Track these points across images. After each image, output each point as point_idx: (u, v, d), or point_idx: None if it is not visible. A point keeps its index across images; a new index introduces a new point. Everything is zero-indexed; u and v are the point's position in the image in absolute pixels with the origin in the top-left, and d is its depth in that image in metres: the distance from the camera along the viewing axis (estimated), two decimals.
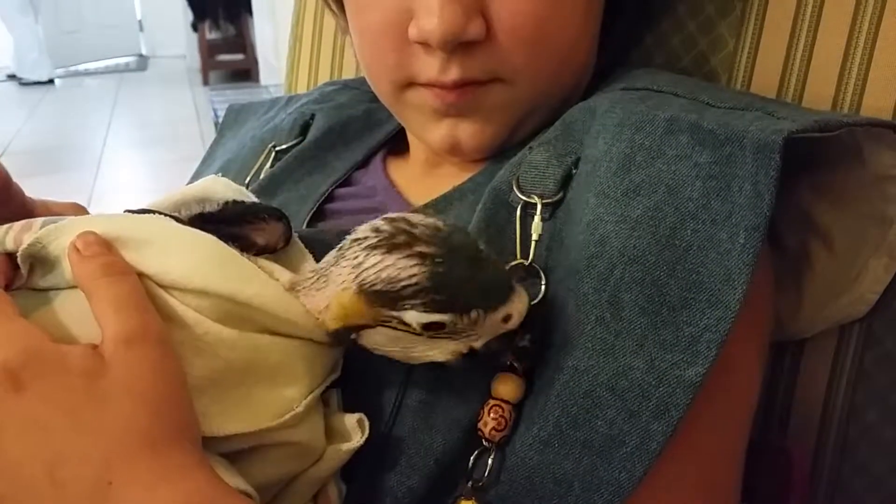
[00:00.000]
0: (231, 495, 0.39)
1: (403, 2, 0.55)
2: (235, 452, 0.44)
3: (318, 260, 0.51)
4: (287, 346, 0.45)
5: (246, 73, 6.42)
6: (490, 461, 0.48)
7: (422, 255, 0.42)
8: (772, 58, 0.62)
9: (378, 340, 0.45)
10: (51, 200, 0.54)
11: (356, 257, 0.43)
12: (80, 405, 0.38)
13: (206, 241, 0.45)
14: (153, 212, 0.49)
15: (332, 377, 0.48)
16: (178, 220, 0.48)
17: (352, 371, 0.49)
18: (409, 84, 0.59)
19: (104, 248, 0.43)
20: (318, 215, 0.66)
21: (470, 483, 0.48)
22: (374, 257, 0.43)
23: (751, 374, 0.53)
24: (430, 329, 0.43)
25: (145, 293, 0.42)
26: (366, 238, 0.44)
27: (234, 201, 0.48)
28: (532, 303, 0.49)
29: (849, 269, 0.56)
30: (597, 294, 0.46)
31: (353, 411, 0.49)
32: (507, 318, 0.44)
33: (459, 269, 0.42)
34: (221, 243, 0.45)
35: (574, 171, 0.52)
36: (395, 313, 0.42)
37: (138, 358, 0.39)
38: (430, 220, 0.44)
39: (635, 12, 0.65)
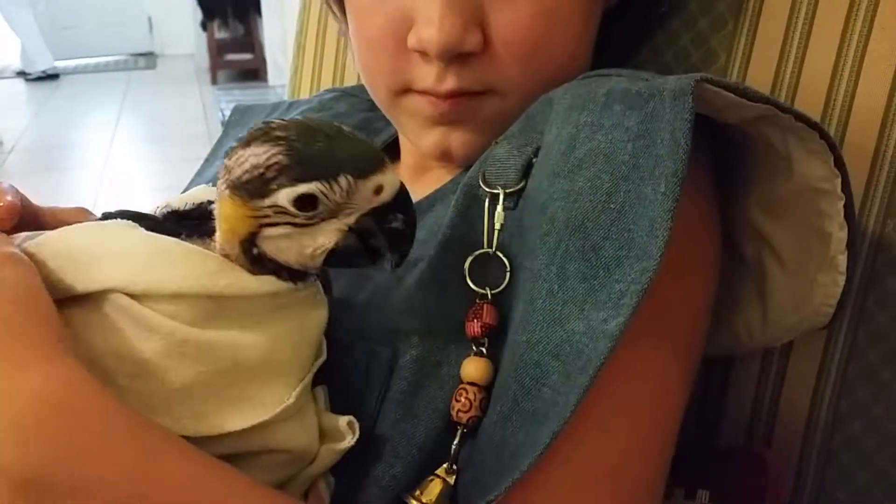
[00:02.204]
0: (94, 391, 0.39)
1: (404, 10, 0.56)
2: (235, 457, 0.44)
3: None
4: (268, 338, 0.45)
5: (254, 72, 6.45)
6: (457, 442, 0.49)
7: (278, 138, 0.43)
8: (762, 72, 0.63)
9: (275, 245, 0.45)
10: (58, 207, 0.55)
11: (223, 168, 0.45)
12: None
13: (169, 245, 0.44)
14: (125, 215, 0.49)
15: (319, 361, 0.49)
16: (150, 219, 0.48)
17: (336, 367, 0.51)
18: (405, 90, 0.60)
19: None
20: None
21: (445, 465, 0.49)
22: (235, 155, 0.44)
23: (668, 367, 0.53)
24: (305, 208, 0.43)
25: (6, 238, 0.45)
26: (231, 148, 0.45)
27: (210, 201, 0.48)
28: (498, 290, 0.51)
29: (801, 284, 0.57)
30: (547, 269, 0.47)
31: (338, 407, 0.50)
32: (378, 190, 0.44)
33: (320, 142, 0.43)
34: (184, 243, 0.45)
35: (534, 160, 0.53)
36: (268, 201, 0.43)
37: (8, 272, 0.41)
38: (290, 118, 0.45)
39: (631, 26, 0.66)
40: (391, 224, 0.44)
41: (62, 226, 0.52)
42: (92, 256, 0.44)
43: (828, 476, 0.65)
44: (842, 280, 0.55)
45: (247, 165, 0.43)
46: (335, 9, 0.67)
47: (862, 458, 0.64)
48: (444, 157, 0.62)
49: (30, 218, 0.52)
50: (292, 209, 0.43)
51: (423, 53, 0.56)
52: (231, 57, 6.57)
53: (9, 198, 0.49)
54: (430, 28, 0.54)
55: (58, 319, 0.41)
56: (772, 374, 0.66)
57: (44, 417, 0.38)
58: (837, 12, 0.60)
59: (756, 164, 0.55)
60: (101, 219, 0.48)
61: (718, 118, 0.51)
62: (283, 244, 0.44)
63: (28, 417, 0.38)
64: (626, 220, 0.46)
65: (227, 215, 0.45)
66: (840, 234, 0.53)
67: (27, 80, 6.59)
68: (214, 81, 6.41)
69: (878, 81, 0.59)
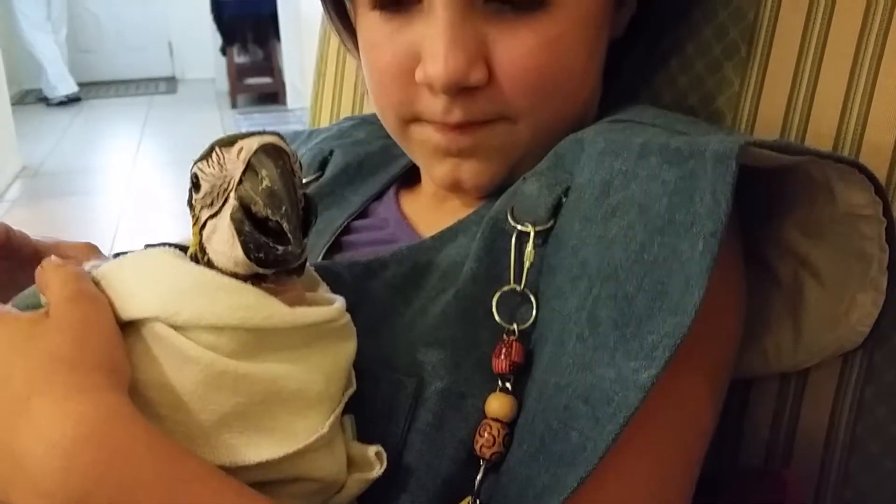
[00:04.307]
0: (136, 420, 0.42)
1: (412, 45, 0.58)
2: (266, 486, 0.45)
3: (332, 289, 0.54)
4: (303, 369, 0.47)
5: (273, 96, 6.49)
6: (480, 477, 0.50)
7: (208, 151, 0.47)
8: (775, 98, 0.64)
9: (212, 249, 0.46)
10: (63, 242, 0.57)
11: None
12: (19, 342, 0.43)
13: (210, 277, 0.46)
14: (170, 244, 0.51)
15: (349, 392, 0.50)
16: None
17: (363, 397, 0.52)
18: (415, 119, 0.61)
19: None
20: (335, 247, 0.68)
21: (468, 498, 0.50)
22: None
23: (697, 406, 0.54)
24: (197, 189, 0.46)
25: (87, 274, 0.47)
26: None
27: None
28: (523, 326, 0.52)
29: (839, 303, 0.58)
30: (578, 313, 0.49)
31: (364, 436, 0.51)
32: (239, 153, 0.45)
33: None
34: (224, 276, 0.46)
35: (564, 200, 0.55)
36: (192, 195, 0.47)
37: (72, 309, 0.44)
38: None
39: (642, 55, 0.67)
40: (263, 185, 0.44)
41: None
42: (139, 286, 0.46)
43: (846, 497, 0.65)
44: (881, 300, 0.57)
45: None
46: (349, 44, 0.69)
47: (880, 478, 0.64)
48: (455, 187, 0.63)
49: (27, 253, 0.54)
50: (192, 195, 0.46)
51: (431, 87, 0.58)
52: (250, 81, 6.63)
53: None
54: (436, 64, 0.56)
55: (119, 351, 0.44)
56: (790, 396, 0.66)
57: (88, 443, 0.40)
58: (849, 37, 0.61)
59: (794, 189, 0.56)
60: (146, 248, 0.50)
61: (757, 165, 0.52)
62: (214, 244, 0.46)
63: (74, 443, 0.40)
64: (659, 272, 0.47)
65: (193, 234, 0.48)
66: (881, 256, 0.55)
67: (49, 104, 6.67)
68: (234, 105, 6.46)
69: (891, 105, 0.59)
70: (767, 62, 0.65)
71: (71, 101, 6.73)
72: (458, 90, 0.57)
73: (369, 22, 0.61)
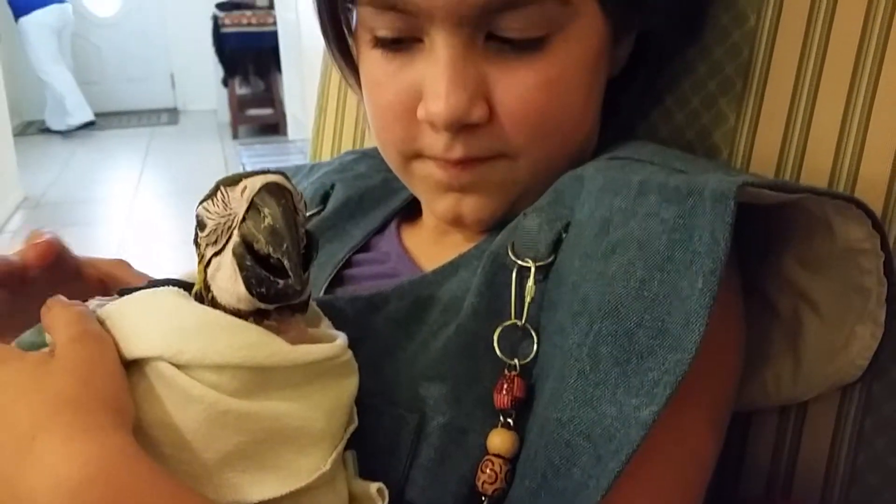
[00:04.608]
0: (141, 460, 0.42)
1: (414, 83, 0.59)
2: None
3: (335, 324, 0.54)
4: (305, 407, 0.47)
5: (274, 127, 6.53)
6: None
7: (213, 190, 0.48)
8: (771, 133, 0.65)
9: (216, 287, 0.47)
10: (98, 259, 0.57)
11: None
12: (25, 383, 0.44)
13: (213, 317, 0.47)
14: (174, 282, 0.51)
15: (351, 428, 0.51)
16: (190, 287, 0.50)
17: (365, 432, 0.52)
18: (417, 156, 0.62)
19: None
20: (337, 280, 0.69)
21: None
22: None
23: (699, 441, 0.54)
24: (202, 228, 0.47)
25: (92, 314, 0.48)
26: None
27: None
28: (524, 361, 0.52)
29: (838, 336, 0.58)
30: (579, 349, 0.49)
31: (366, 472, 0.51)
32: (243, 191, 0.46)
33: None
34: (227, 315, 0.46)
35: (564, 235, 0.55)
36: (197, 234, 0.48)
37: (78, 349, 0.45)
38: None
39: (639, 91, 0.68)
40: (265, 223, 0.45)
41: (102, 277, 0.55)
42: (143, 325, 0.47)
43: None
44: (880, 333, 0.57)
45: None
46: (351, 80, 0.70)
47: None
48: (457, 222, 0.64)
49: (70, 268, 0.54)
50: (197, 234, 0.47)
51: (433, 124, 0.59)
52: (252, 112, 6.67)
53: (46, 237, 0.52)
54: (438, 102, 0.57)
55: (124, 392, 0.44)
56: (790, 428, 0.66)
57: (93, 483, 0.40)
58: (843, 72, 0.62)
59: (793, 223, 0.57)
60: (150, 286, 0.50)
61: (755, 201, 0.52)
62: (218, 281, 0.47)
63: (80, 483, 0.40)
64: (659, 309, 0.47)
65: (198, 271, 0.48)
66: (880, 289, 0.56)
67: (64, 134, 6.71)
68: (236, 136, 6.50)
69: (886, 139, 0.60)
70: (763, 97, 0.65)
71: (87, 124, 6.78)
72: (460, 127, 0.58)
73: (371, 60, 0.62)
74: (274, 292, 0.45)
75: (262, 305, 0.46)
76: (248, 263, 0.45)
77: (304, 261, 0.46)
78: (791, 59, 0.64)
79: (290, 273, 0.44)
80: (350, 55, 0.68)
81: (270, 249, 0.44)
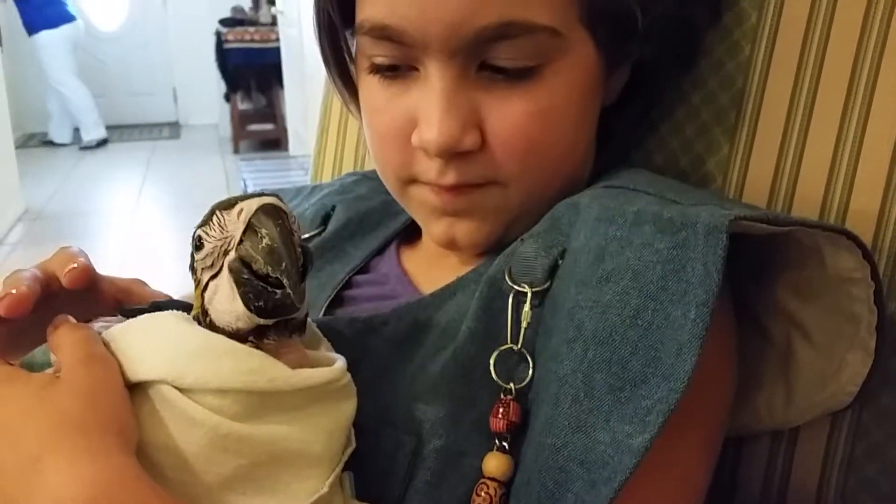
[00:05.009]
0: (144, 482, 0.43)
1: (409, 111, 0.61)
2: None
3: (333, 345, 0.55)
4: (304, 430, 0.48)
5: (275, 142, 6.55)
6: None
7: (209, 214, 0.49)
8: (764, 161, 0.66)
9: (214, 310, 0.48)
10: (116, 277, 0.59)
11: None
12: (31, 404, 0.45)
13: (215, 341, 0.47)
14: (177, 303, 0.53)
15: (349, 450, 0.51)
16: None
17: (362, 454, 0.53)
18: (412, 181, 0.64)
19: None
20: (337, 301, 0.70)
21: None
22: None
23: (690, 465, 0.55)
24: (199, 248, 0.48)
25: (97, 336, 0.49)
26: None
27: None
28: (520, 385, 0.53)
29: (829, 363, 0.59)
30: (573, 375, 0.50)
31: (363, 493, 0.52)
32: (240, 214, 0.47)
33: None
34: (229, 340, 0.47)
35: (560, 262, 0.56)
36: (193, 258, 0.49)
37: (84, 373, 0.46)
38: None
39: (634, 119, 0.70)
40: (262, 243, 0.46)
41: (119, 294, 0.56)
42: (147, 349, 0.48)
43: None
44: (870, 360, 0.58)
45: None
46: (352, 106, 0.71)
47: None
48: (451, 245, 0.65)
49: (90, 284, 0.55)
50: (193, 258, 0.48)
51: (426, 151, 0.60)
52: (253, 127, 6.70)
53: (80, 260, 0.53)
54: (431, 129, 0.58)
55: (128, 414, 0.45)
56: (781, 452, 0.67)
57: (97, 503, 0.41)
58: (835, 104, 0.63)
59: (785, 253, 0.58)
60: (152, 307, 0.51)
61: (748, 232, 0.53)
62: (216, 304, 0.48)
63: (84, 503, 0.41)
64: (652, 338, 0.48)
65: (196, 297, 0.49)
66: (870, 317, 0.57)
67: (80, 148, 6.73)
68: (237, 151, 6.52)
69: (876, 170, 0.61)
70: (756, 127, 0.67)
71: (100, 143, 6.81)
72: (452, 154, 0.59)
73: (369, 86, 0.64)
74: (272, 304, 0.46)
75: (261, 321, 0.47)
76: (245, 277, 0.46)
77: (300, 276, 0.47)
78: (784, 90, 0.65)
79: (290, 291, 0.45)
80: (351, 81, 0.70)
81: (269, 269, 0.45)
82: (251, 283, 0.46)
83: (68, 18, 6.46)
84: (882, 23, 0.61)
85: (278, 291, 0.45)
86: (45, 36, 6.37)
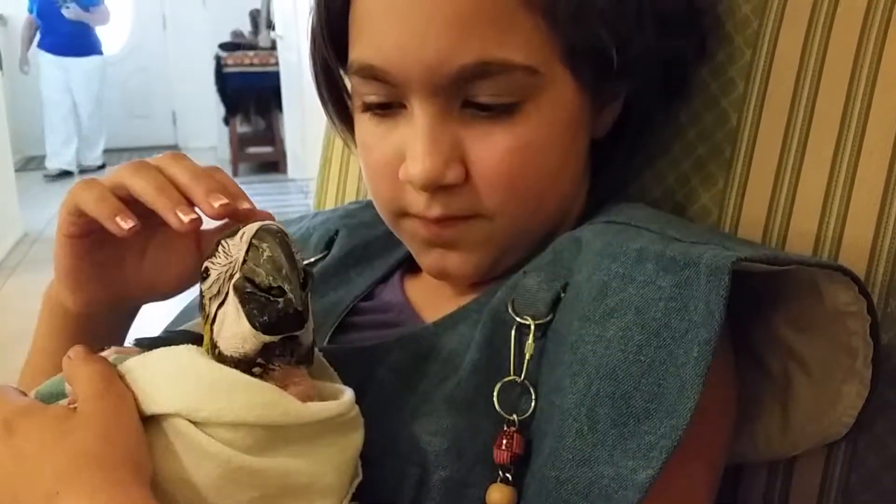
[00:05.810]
0: None
1: (398, 146, 0.63)
2: None
3: (339, 375, 0.56)
4: (314, 462, 0.49)
5: (274, 165, 6.58)
6: None
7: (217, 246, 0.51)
8: (758, 196, 0.68)
9: (223, 339, 0.49)
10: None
11: None
12: (48, 437, 0.46)
13: (228, 375, 0.48)
14: (190, 334, 0.54)
15: (356, 482, 0.52)
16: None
17: (367, 484, 0.53)
18: (404, 213, 0.65)
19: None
20: (342, 328, 0.71)
21: None
22: None
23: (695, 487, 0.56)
24: (205, 279, 0.49)
25: (113, 368, 0.50)
26: None
27: None
28: (523, 417, 0.54)
29: (826, 394, 0.60)
30: (577, 409, 0.51)
31: None
32: (242, 236, 0.49)
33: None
34: (242, 374, 0.48)
35: (562, 295, 0.58)
36: (202, 290, 0.51)
37: (101, 405, 0.47)
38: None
39: (626, 152, 0.71)
40: (263, 256, 0.48)
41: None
42: (162, 382, 0.49)
43: None
44: (865, 392, 0.59)
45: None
46: (351, 144, 0.73)
47: None
48: (443, 276, 0.66)
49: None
50: (202, 288, 0.50)
51: (412, 185, 0.62)
52: (252, 150, 6.73)
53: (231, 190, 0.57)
54: (415, 164, 0.60)
55: (143, 448, 0.47)
56: (778, 482, 0.68)
57: None
58: (828, 138, 0.64)
59: (784, 287, 0.59)
60: (164, 339, 0.53)
61: (748, 270, 0.54)
62: (224, 332, 0.49)
63: None
64: (655, 374, 0.50)
65: (205, 332, 0.51)
66: (866, 350, 0.58)
67: (80, 171, 6.77)
68: (236, 173, 6.53)
69: (869, 203, 0.63)
70: (751, 162, 0.68)
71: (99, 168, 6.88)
72: (437, 188, 0.61)
73: (362, 123, 0.66)
74: (276, 317, 0.47)
75: (266, 338, 0.48)
76: (249, 292, 0.48)
77: (302, 286, 0.49)
78: (778, 126, 0.67)
79: (292, 296, 0.47)
80: (348, 119, 0.72)
81: (271, 279, 0.47)
82: (255, 297, 0.47)
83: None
84: (872, 60, 0.62)
85: (280, 300, 0.47)
86: (99, 59, 6.77)
